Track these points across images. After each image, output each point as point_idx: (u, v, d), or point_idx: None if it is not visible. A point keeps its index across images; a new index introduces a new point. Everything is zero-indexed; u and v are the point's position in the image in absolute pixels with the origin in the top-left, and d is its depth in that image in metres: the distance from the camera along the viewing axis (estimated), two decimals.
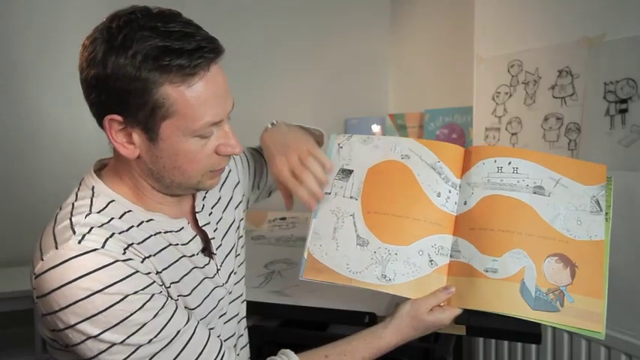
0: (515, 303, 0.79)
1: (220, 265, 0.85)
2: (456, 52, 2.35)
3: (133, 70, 0.64)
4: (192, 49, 0.66)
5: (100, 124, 0.71)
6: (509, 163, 0.86)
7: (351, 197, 0.90)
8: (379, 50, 2.90)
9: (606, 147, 1.54)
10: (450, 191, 0.88)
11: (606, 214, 0.82)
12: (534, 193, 0.84)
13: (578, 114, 1.64)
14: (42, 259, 0.66)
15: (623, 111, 1.50)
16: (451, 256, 0.86)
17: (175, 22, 0.67)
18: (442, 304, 0.84)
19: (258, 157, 1.05)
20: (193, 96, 0.67)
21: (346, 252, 0.87)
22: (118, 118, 0.68)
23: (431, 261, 0.85)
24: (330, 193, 0.91)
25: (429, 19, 2.59)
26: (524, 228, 0.82)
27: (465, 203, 0.86)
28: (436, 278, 0.85)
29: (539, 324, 1.17)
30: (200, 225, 0.83)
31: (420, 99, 2.68)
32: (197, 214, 0.84)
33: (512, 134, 1.83)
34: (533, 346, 1.81)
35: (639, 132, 1.47)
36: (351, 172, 0.92)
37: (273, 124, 0.96)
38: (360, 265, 0.86)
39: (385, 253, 0.86)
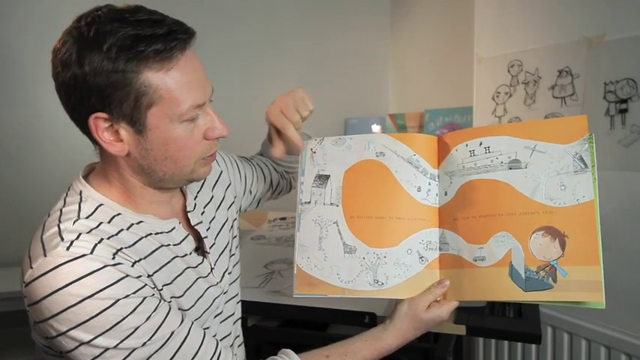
0: (506, 288, 0.76)
1: (214, 264, 0.85)
2: (456, 52, 2.35)
3: (111, 63, 0.64)
4: (164, 33, 0.66)
5: (83, 128, 0.70)
6: (481, 144, 0.83)
7: (331, 204, 0.88)
8: (379, 50, 2.90)
9: (606, 147, 1.54)
10: (429, 183, 0.86)
11: (592, 167, 0.77)
12: (510, 168, 0.80)
13: (578, 114, 1.63)
14: (31, 267, 0.66)
15: (623, 111, 1.50)
16: (440, 249, 0.84)
17: (142, 12, 0.67)
18: (439, 299, 0.83)
19: (248, 164, 1.06)
20: (174, 79, 0.67)
21: (335, 261, 0.85)
22: (103, 115, 0.67)
23: (421, 257, 0.84)
24: (310, 202, 0.88)
25: (429, 19, 2.59)
26: (504, 208, 0.79)
27: (446, 194, 0.85)
28: (429, 274, 0.84)
29: (538, 324, 1.17)
30: (192, 224, 0.83)
31: (420, 99, 2.68)
32: (189, 214, 0.83)
33: None
34: (533, 346, 1.81)
35: (639, 132, 1.47)
36: (327, 177, 0.89)
37: None
38: (350, 273, 0.84)
39: (374, 257, 0.84)
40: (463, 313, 1.17)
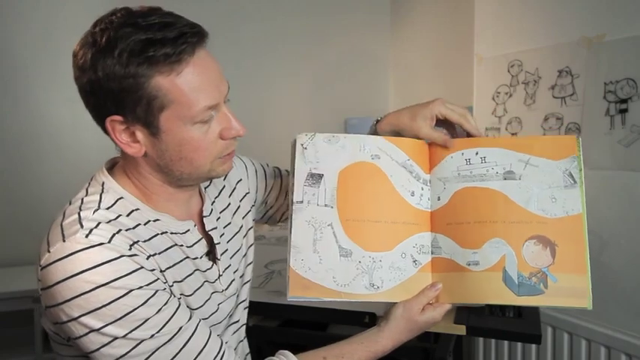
0: (500, 292, 0.79)
1: (223, 272, 0.85)
2: (456, 52, 2.35)
3: (122, 69, 0.65)
4: (174, 36, 0.67)
5: (103, 128, 0.72)
6: (477, 154, 0.86)
7: (325, 205, 0.85)
8: (379, 50, 2.90)
9: (606, 147, 1.54)
10: (422, 188, 0.87)
11: (580, 184, 0.81)
12: (505, 179, 0.83)
13: (578, 114, 1.64)
14: (48, 251, 0.67)
15: (623, 111, 1.50)
16: (432, 253, 0.85)
17: (155, 15, 0.68)
18: (432, 302, 0.84)
19: (277, 175, 1.04)
20: (185, 82, 0.68)
21: (330, 264, 0.84)
22: (119, 118, 0.69)
23: (414, 261, 0.85)
24: (302, 202, 0.85)
25: (429, 19, 2.59)
26: (499, 216, 0.82)
27: (439, 199, 0.86)
28: (422, 277, 0.85)
29: (538, 324, 1.18)
30: (207, 230, 0.84)
31: (420, 99, 2.67)
32: (204, 219, 0.84)
33: (512, 134, 1.83)
34: (533, 346, 1.81)
35: (639, 132, 1.47)
36: (321, 176, 0.87)
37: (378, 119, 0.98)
38: (346, 276, 0.84)
39: (370, 261, 0.84)
40: (463, 313, 1.17)
